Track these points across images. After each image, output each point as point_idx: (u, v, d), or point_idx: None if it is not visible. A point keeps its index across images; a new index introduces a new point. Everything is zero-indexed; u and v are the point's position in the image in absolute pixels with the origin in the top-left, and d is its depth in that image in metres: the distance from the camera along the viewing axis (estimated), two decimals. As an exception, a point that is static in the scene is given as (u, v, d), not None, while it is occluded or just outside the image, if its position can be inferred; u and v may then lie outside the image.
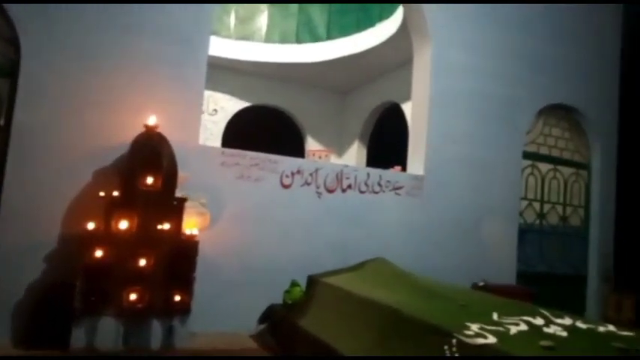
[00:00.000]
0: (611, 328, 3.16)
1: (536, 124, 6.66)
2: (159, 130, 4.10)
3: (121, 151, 4.17)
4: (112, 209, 3.82)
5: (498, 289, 4.83)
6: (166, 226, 3.91)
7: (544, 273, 6.48)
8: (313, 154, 5.38)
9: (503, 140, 6.19)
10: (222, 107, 9.65)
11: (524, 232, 6.37)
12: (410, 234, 5.50)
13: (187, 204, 4.13)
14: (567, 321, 3.12)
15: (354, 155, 10.00)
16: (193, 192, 4.29)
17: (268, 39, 9.00)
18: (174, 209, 3.99)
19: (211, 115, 9.63)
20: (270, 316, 4.49)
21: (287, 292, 4.53)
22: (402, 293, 3.72)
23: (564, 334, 2.82)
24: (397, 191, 5.50)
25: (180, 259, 3.95)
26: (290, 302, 4.41)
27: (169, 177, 3.99)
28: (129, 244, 3.80)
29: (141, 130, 4.07)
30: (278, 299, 4.54)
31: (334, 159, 10.11)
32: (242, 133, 9.00)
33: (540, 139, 6.69)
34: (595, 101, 6.93)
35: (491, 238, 5.97)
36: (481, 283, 5.34)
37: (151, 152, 3.95)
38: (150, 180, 3.90)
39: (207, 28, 4.84)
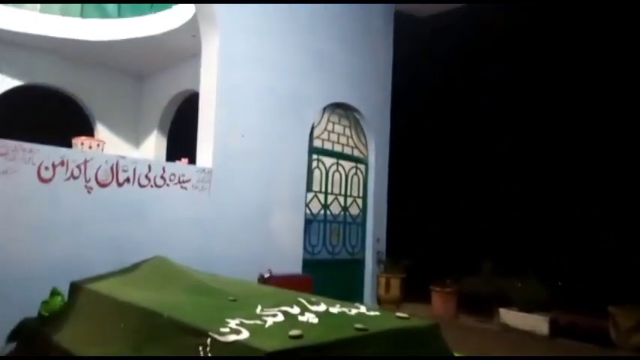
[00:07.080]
0: (362, 309, 3.48)
1: (321, 120, 7.12)
2: None
3: None
4: None
5: (280, 280, 5.03)
6: None
7: (327, 259, 7.01)
8: (82, 144, 4.75)
9: (290, 135, 6.44)
10: (-16, 85, 8.05)
11: (310, 222, 6.78)
12: (196, 229, 5.33)
13: None
14: (322, 307, 3.33)
15: (153, 146, 9.39)
16: None
17: (45, 9, 7.80)
18: None
19: (-30, 93, 7.96)
20: (21, 332, 3.84)
21: (45, 302, 3.93)
22: (174, 293, 3.54)
23: (316, 320, 3.01)
24: (183, 185, 5.27)
25: None
26: (47, 314, 3.84)
27: None
28: None
29: None
30: (36, 312, 3.92)
31: (131, 150, 9.37)
32: (13, 119, 7.61)
33: (325, 134, 7.18)
34: (371, 102, 7.74)
35: (279, 229, 6.19)
36: (267, 275, 5.49)
37: None
38: None
39: None
